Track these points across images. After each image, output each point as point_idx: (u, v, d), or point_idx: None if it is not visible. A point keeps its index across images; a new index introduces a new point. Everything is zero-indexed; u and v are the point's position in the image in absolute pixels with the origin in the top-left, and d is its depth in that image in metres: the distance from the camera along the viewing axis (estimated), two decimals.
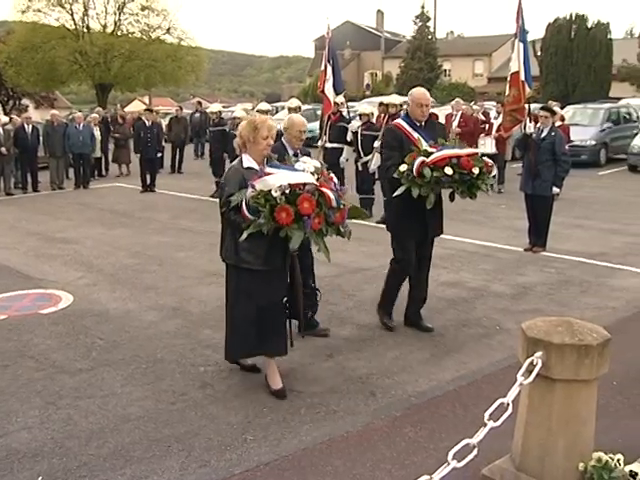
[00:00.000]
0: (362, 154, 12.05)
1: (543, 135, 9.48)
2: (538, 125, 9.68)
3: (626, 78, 42.15)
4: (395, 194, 6.02)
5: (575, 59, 40.05)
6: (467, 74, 56.29)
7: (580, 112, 22.62)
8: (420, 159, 5.85)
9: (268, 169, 4.87)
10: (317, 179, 4.82)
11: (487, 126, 16.27)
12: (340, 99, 12.75)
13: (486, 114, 17.70)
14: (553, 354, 2.97)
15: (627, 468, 2.96)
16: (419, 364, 5.68)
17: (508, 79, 10.42)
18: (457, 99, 18.01)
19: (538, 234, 9.52)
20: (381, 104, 13.36)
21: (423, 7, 51.51)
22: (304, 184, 4.73)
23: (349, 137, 12.36)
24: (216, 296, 7.23)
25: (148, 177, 16.43)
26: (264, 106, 15.36)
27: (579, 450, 3.11)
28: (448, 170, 5.80)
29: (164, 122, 21.89)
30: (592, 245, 9.98)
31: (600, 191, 15.98)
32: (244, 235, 4.69)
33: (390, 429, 4.46)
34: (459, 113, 16.38)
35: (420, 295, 6.58)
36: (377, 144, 11.48)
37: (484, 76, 58.96)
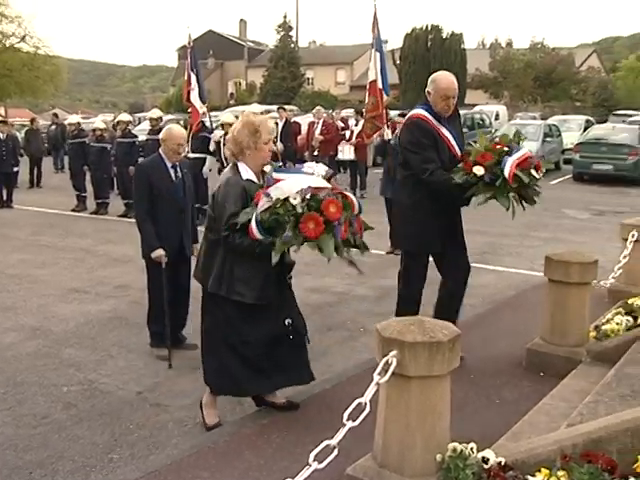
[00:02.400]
0: (225, 164, 12.01)
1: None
2: (396, 131, 10.01)
3: (479, 86, 44.30)
4: (479, 202, 5.04)
5: (432, 67, 41.48)
6: (330, 82, 57.38)
7: None
8: (515, 158, 4.90)
9: (276, 174, 4.19)
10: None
11: (347, 133, 16.67)
12: (202, 109, 12.73)
13: (345, 121, 18.14)
14: (407, 352, 3.09)
15: (480, 455, 3.11)
16: None
17: (367, 87, 10.74)
18: (318, 107, 18.36)
19: None
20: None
21: (285, 16, 52.19)
22: (322, 188, 4.04)
23: (212, 147, 12.32)
24: (79, 313, 7.04)
25: (5, 192, 15.76)
26: (125, 117, 15.05)
27: (436, 442, 3.23)
28: (534, 173, 4.99)
29: (20, 135, 21.01)
30: None
31: None
32: (275, 258, 3.92)
33: (257, 436, 4.48)
34: (321, 121, 16.72)
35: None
36: None
37: (346, 84, 60.27)
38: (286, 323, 4.54)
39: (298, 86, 51.21)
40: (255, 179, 4.31)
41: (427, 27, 43.94)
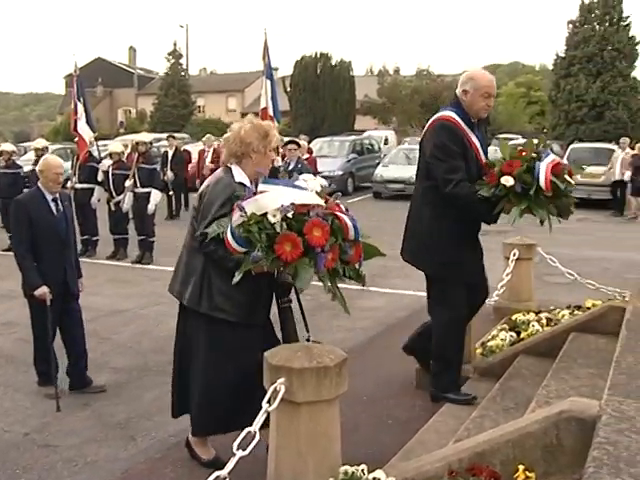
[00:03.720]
0: (114, 194, 11.79)
1: (291, 167, 9.90)
2: (285, 158, 10.11)
3: (368, 112, 45.20)
4: (512, 219, 4.43)
5: (322, 94, 42.22)
6: (221, 110, 57.26)
7: (327, 144, 24.01)
8: (548, 162, 4.29)
9: (262, 186, 3.67)
10: (325, 202, 3.63)
11: None
12: (90, 138, 12.50)
13: None
14: (294, 379, 3.11)
15: (371, 476, 3.15)
16: None
17: (259, 115, 10.80)
18: (208, 135, 18.34)
19: None
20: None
21: (175, 44, 51.70)
22: (311, 206, 3.51)
23: (100, 177, 12.06)
24: None
25: None
26: (8, 147, 14.49)
27: (328, 466, 3.25)
28: (568, 178, 4.40)
29: None
30: None
31: None
32: (237, 277, 3.50)
33: (150, 471, 4.39)
34: (211, 149, 16.68)
35: None
36: (128, 183, 11.37)
37: (238, 112, 60.26)
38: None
39: (189, 114, 50.82)
40: (248, 184, 3.93)
41: (317, 55, 44.59)
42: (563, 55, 37.26)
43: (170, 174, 16.52)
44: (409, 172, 16.56)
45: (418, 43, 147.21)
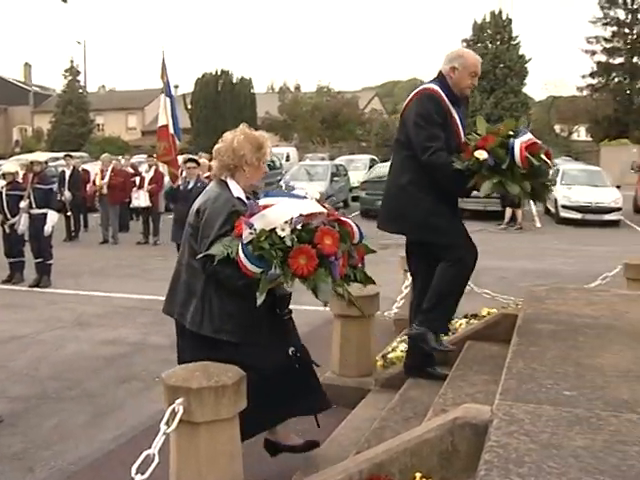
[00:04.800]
0: (9, 215, 11.39)
1: (190, 186, 9.84)
2: (184, 176, 10.02)
3: (270, 129, 45.40)
4: (485, 191, 4.30)
5: (223, 112, 42.16)
6: (121, 128, 56.36)
7: None
8: (524, 139, 4.26)
9: (264, 200, 3.56)
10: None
11: (139, 179, 16.45)
12: None
13: (135, 168, 17.93)
14: (192, 399, 3.09)
15: None
16: (79, 429, 5.49)
17: (157, 133, 10.69)
18: (105, 154, 18.02)
19: None
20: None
21: (72, 61, 50.54)
22: (315, 214, 3.46)
23: None
24: None
25: None
26: None
27: None
28: (545, 159, 4.34)
29: None
30: None
31: None
32: (260, 299, 3.33)
33: None
34: (110, 168, 16.40)
35: None
36: (23, 204, 11.02)
37: (138, 130, 59.45)
38: (290, 353, 4.02)
39: (88, 132, 49.74)
40: (244, 199, 3.78)
41: (217, 72, 44.51)
42: None
43: (68, 194, 16.15)
44: (311, 188, 16.70)
45: (318, 60, 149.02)
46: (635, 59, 48.07)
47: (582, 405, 3.09)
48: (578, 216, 20.02)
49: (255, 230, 3.34)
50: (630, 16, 48.12)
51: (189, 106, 43.83)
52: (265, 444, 4.24)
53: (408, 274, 7.04)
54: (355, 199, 23.12)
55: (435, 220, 4.61)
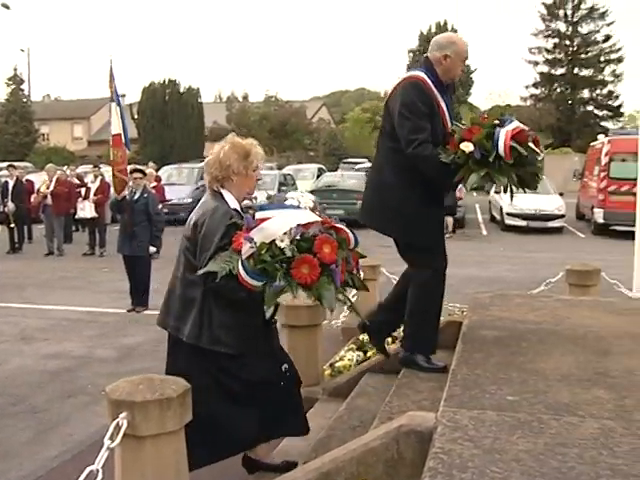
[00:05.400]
0: None
1: (136, 197, 9.73)
2: (131, 186, 9.90)
3: (217, 138, 44.73)
4: (472, 184, 4.18)
5: (170, 121, 41.84)
6: (66, 138, 55.44)
7: (177, 172, 23.83)
8: (509, 129, 4.09)
9: (260, 214, 3.55)
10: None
11: (84, 190, 16.24)
12: None
13: (81, 178, 17.69)
14: (137, 412, 3.05)
15: None
16: (23, 446, 5.36)
17: (111, 141, 10.51)
18: (49, 165, 17.73)
19: (139, 294, 9.70)
20: None
21: (16, 69, 49.54)
22: (312, 223, 3.47)
23: None
24: None
25: None
26: None
27: None
28: (533, 147, 4.17)
29: None
30: None
31: None
32: (268, 312, 3.42)
33: None
34: (55, 178, 16.14)
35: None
36: None
37: (84, 139, 58.61)
38: (283, 369, 4.02)
39: (32, 142, 48.78)
40: (240, 210, 3.79)
41: (165, 81, 44.16)
42: None
43: (11, 205, 15.83)
44: (259, 197, 16.66)
45: (266, 69, 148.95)
46: (576, 70, 49.36)
47: (524, 409, 3.15)
48: (523, 223, 20.42)
49: (255, 244, 3.36)
50: (570, 28, 49.39)
51: (136, 116, 43.37)
52: (243, 461, 4.23)
53: None
54: None
55: (417, 220, 4.40)
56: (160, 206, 10.83)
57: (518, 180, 4.15)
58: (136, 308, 9.59)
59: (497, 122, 4.14)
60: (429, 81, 4.37)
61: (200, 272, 3.63)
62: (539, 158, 4.26)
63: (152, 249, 9.78)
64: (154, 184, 15.27)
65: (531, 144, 4.12)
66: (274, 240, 3.36)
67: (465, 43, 4.53)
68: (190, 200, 21.34)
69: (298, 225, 3.40)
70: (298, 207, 3.64)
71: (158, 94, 43.43)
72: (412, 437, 3.01)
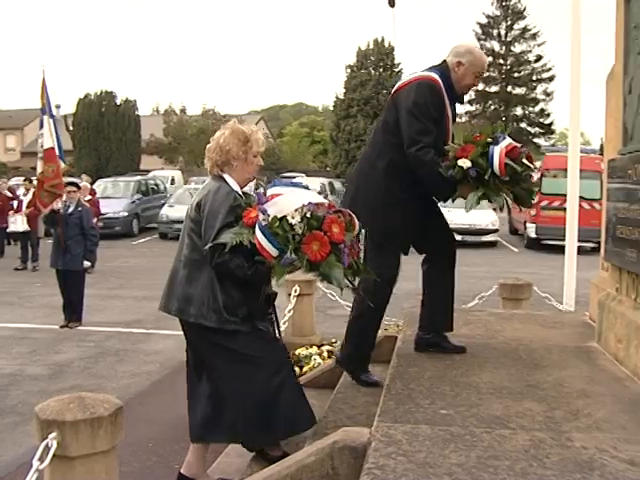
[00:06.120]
0: None
1: (70, 210, 9.56)
2: (64, 200, 9.70)
3: (155, 151, 44.81)
4: (468, 205, 4.08)
5: (107, 134, 41.19)
6: None
7: (111, 185, 23.49)
8: (503, 146, 4.02)
9: (272, 190, 3.64)
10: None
11: (16, 203, 15.87)
12: None
13: (13, 191, 17.29)
14: (67, 432, 2.98)
15: None
16: None
17: (41, 155, 10.23)
18: None
19: (72, 309, 9.52)
20: None
21: None
22: (322, 205, 3.51)
23: None
24: None
25: None
26: None
27: None
28: (527, 163, 4.12)
29: None
30: (128, 314, 10.35)
31: (135, 260, 16.70)
32: (282, 279, 3.39)
33: None
34: None
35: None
36: None
37: (17, 150, 57.32)
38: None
39: None
40: (241, 193, 3.84)
41: (101, 93, 43.49)
42: (342, 97, 39.45)
43: None
44: None
45: (204, 83, 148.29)
46: (509, 88, 50.53)
47: (457, 423, 3.19)
48: (458, 238, 20.54)
49: (268, 216, 3.41)
50: (504, 48, 50.56)
51: (70, 127, 42.58)
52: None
53: (291, 297, 7.08)
54: None
55: (386, 212, 4.29)
56: (95, 220, 10.65)
57: (513, 197, 4.15)
58: (69, 324, 9.40)
59: (490, 140, 4.12)
60: (442, 86, 4.30)
61: (208, 245, 3.64)
62: (532, 174, 4.28)
63: (86, 263, 9.63)
64: (89, 197, 15.00)
65: (525, 160, 4.11)
66: (285, 216, 3.41)
67: (483, 58, 4.48)
68: (126, 214, 21.06)
69: (310, 202, 3.46)
70: (307, 188, 3.77)
71: (94, 106, 42.71)
72: (346, 453, 3.02)
